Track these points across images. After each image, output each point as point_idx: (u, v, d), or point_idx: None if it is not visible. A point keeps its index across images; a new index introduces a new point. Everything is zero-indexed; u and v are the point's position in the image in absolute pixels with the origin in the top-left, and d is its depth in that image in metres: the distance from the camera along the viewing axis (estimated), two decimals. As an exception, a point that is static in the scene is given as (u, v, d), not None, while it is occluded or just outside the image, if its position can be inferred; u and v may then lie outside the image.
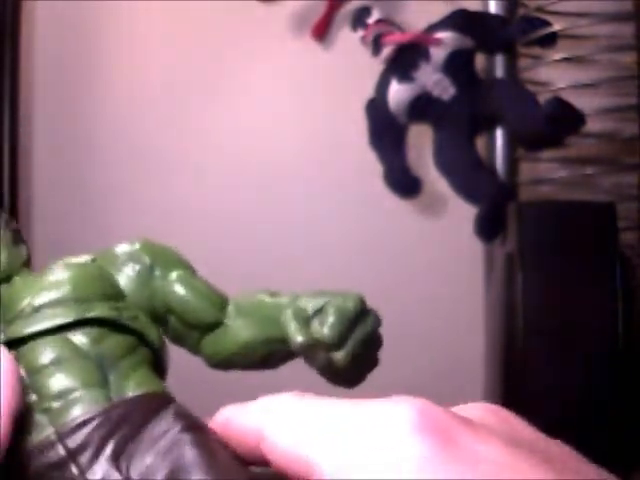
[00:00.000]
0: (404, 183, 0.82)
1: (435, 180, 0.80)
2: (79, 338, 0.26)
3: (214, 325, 0.29)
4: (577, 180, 0.80)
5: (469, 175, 0.77)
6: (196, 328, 0.29)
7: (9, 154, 0.94)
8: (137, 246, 0.30)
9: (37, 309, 0.26)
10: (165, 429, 0.23)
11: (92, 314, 0.27)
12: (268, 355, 0.29)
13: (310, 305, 0.27)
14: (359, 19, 0.83)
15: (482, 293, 0.85)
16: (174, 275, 0.30)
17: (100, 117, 0.99)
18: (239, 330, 0.29)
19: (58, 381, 0.25)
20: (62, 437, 0.23)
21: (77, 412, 0.24)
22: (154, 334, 0.28)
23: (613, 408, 0.65)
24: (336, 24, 0.92)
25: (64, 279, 0.28)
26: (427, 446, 0.19)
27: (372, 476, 0.19)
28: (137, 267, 0.30)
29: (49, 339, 0.26)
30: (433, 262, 0.93)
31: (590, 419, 0.65)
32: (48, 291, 0.27)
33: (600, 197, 0.79)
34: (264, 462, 0.23)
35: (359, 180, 0.92)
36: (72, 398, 0.24)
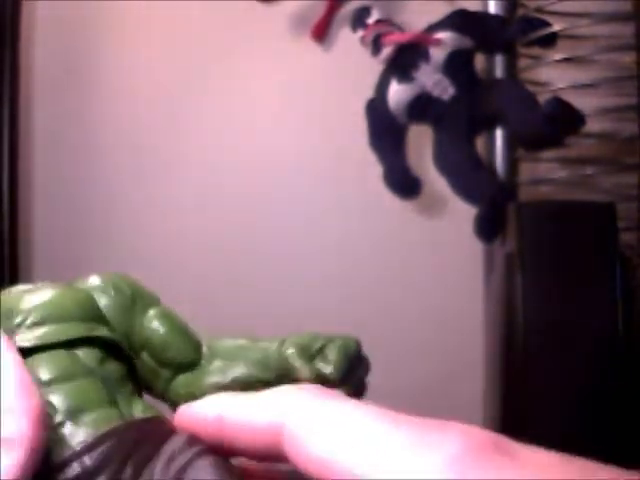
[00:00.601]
0: (404, 183, 0.82)
1: (435, 180, 0.80)
2: (85, 356, 0.25)
3: (190, 365, 0.29)
4: (577, 180, 0.80)
5: (469, 175, 0.77)
6: (170, 366, 0.28)
7: (9, 154, 0.94)
8: (116, 277, 0.29)
9: (42, 322, 0.26)
10: (179, 452, 0.23)
11: (99, 333, 0.26)
12: None
13: (312, 344, 0.27)
14: (359, 19, 0.83)
15: (482, 293, 0.85)
16: (154, 310, 0.29)
17: (100, 117, 0.99)
18: (219, 372, 0.28)
19: (71, 397, 0.24)
20: (78, 455, 0.22)
21: (93, 430, 0.23)
22: (139, 365, 0.28)
23: (613, 408, 0.65)
24: (336, 24, 0.92)
25: (62, 296, 0.27)
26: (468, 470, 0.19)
27: None
28: (119, 297, 0.29)
29: (58, 353, 0.25)
30: (433, 262, 0.93)
31: (590, 419, 0.65)
32: (50, 305, 0.26)
33: (600, 197, 0.79)
34: (273, 458, 0.22)
35: (359, 180, 0.92)
36: (86, 415, 0.23)
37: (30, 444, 0.20)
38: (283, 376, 0.27)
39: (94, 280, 0.29)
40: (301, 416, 0.22)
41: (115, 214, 0.98)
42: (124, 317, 0.28)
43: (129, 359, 0.27)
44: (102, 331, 0.26)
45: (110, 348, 0.26)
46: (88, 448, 0.22)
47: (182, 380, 0.28)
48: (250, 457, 0.23)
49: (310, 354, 0.27)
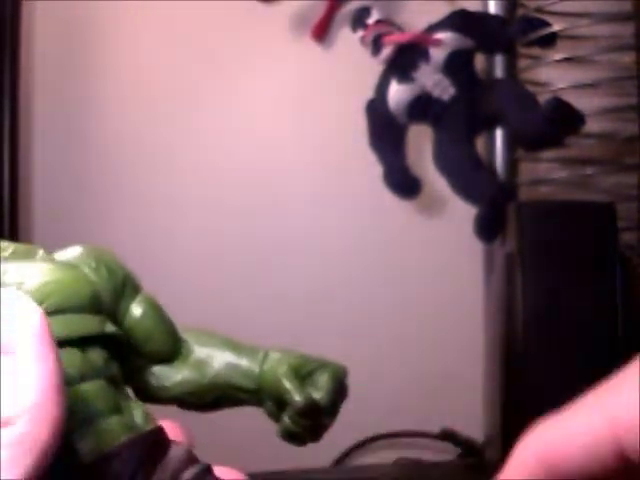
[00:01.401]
0: (404, 183, 0.82)
1: (435, 180, 0.80)
2: (94, 355, 0.24)
3: (168, 358, 0.27)
4: (577, 180, 0.80)
5: (469, 175, 0.77)
6: (146, 357, 0.27)
7: (9, 154, 0.94)
8: (106, 255, 0.27)
9: (57, 311, 0.23)
10: (183, 468, 0.22)
11: (109, 330, 0.24)
12: (219, 400, 0.27)
13: (303, 366, 0.27)
14: (359, 19, 0.83)
15: (482, 293, 0.85)
16: (140, 298, 0.27)
17: (100, 117, 0.99)
18: (196, 369, 0.27)
19: (80, 403, 0.22)
20: (89, 470, 0.21)
21: (101, 442, 0.22)
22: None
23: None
24: (336, 24, 0.92)
25: (74, 281, 0.24)
26: None
27: None
28: (111, 279, 0.26)
29: (70, 351, 0.23)
30: (433, 262, 0.93)
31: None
32: (63, 291, 0.24)
33: (600, 197, 0.79)
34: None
35: (358, 180, 0.92)
36: (94, 424, 0.22)
37: (45, 450, 0.19)
38: (265, 389, 0.27)
39: (81, 254, 0.27)
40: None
41: (115, 215, 0.97)
42: (112, 301, 0.26)
43: (126, 355, 0.26)
44: (110, 327, 0.25)
45: (112, 343, 0.25)
46: (98, 463, 0.21)
47: (156, 371, 0.27)
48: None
49: (301, 376, 0.26)
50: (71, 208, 0.98)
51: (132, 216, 0.97)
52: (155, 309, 0.27)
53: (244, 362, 0.27)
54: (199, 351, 0.28)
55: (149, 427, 0.23)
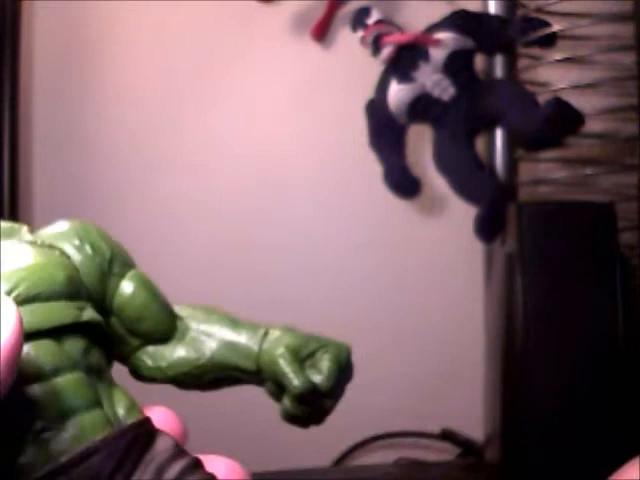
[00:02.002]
0: (404, 183, 0.82)
1: (435, 180, 0.80)
2: (71, 346, 0.22)
3: (164, 338, 0.26)
4: (577, 180, 0.80)
5: (469, 175, 0.77)
6: (141, 337, 0.26)
7: (9, 154, 0.94)
8: (93, 232, 0.26)
9: (30, 299, 0.22)
10: (167, 463, 0.21)
11: (86, 317, 0.23)
12: (219, 379, 0.26)
13: (303, 347, 0.25)
14: (359, 20, 0.83)
15: (482, 293, 0.85)
16: (131, 276, 0.26)
17: (100, 117, 0.99)
18: (193, 348, 0.26)
19: (55, 398, 0.21)
20: (64, 469, 0.20)
21: (79, 438, 0.21)
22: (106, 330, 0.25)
23: (613, 408, 0.65)
24: (336, 24, 0.92)
25: (50, 266, 0.23)
26: None
27: None
28: (96, 258, 0.25)
29: (43, 344, 0.21)
30: (433, 262, 0.93)
31: (590, 419, 0.65)
32: (38, 277, 0.22)
33: (600, 197, 0.79)
34: None
35: (358, 180, 0.92)
36: (71, 420, 0.21)
37: None
38: (264, 370, 0.25)
39: (65, 231, 0.25)
40: None
41: (115, 215, 0.97)
42: (98, 280, 0.25)
43: (109, 339, 0.25)
44: (90, 313, 0.23)
45: (94, 329, 0.23)
46: (75, 461, 0.20)
47: (151, 351, 0.26)
48: None
49: (300, 358, 0.25)
50: (71, 208, 0.98)
51: (132, 216, 0.97)
52: (147, 286, 0.26)
53: (243, 340, 0.26)
54: (196, 329, 0.26)
55: (132, 419, 0.22)
